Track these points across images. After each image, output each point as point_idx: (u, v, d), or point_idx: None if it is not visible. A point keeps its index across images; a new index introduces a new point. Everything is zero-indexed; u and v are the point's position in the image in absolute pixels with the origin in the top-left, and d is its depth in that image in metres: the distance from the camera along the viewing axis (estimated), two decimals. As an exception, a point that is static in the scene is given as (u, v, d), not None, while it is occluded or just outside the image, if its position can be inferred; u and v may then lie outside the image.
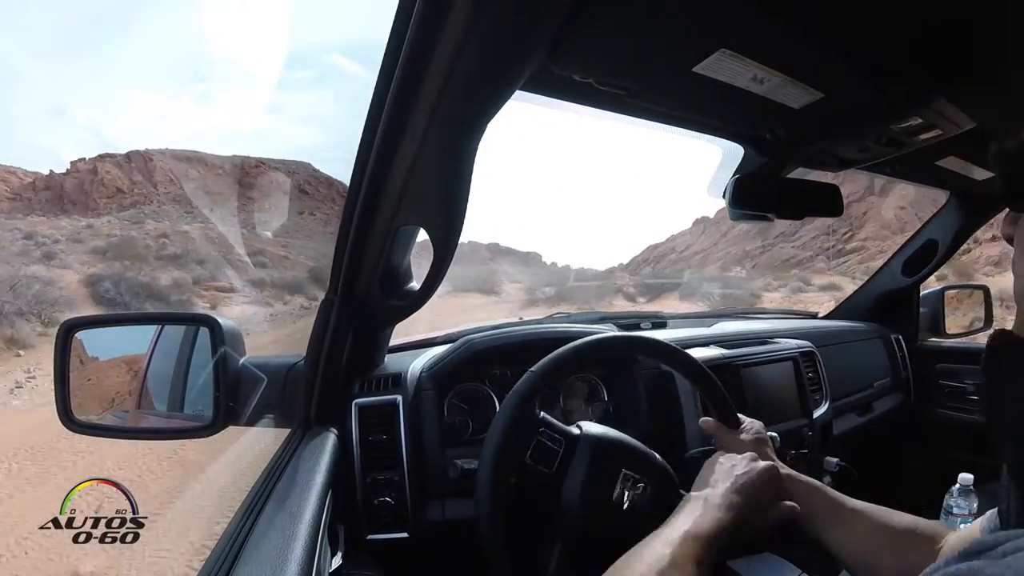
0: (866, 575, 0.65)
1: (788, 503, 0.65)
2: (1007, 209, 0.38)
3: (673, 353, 0.79)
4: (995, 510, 0.54)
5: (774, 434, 0.99)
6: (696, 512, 0.57)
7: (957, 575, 0.26)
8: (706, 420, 0.79)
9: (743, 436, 0.76)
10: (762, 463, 0.66)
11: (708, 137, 0.86)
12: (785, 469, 0.72)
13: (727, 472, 0.64)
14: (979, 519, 0.58)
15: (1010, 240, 0.38)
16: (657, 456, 0.73)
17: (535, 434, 0.70)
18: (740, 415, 0.79)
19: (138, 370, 0.87)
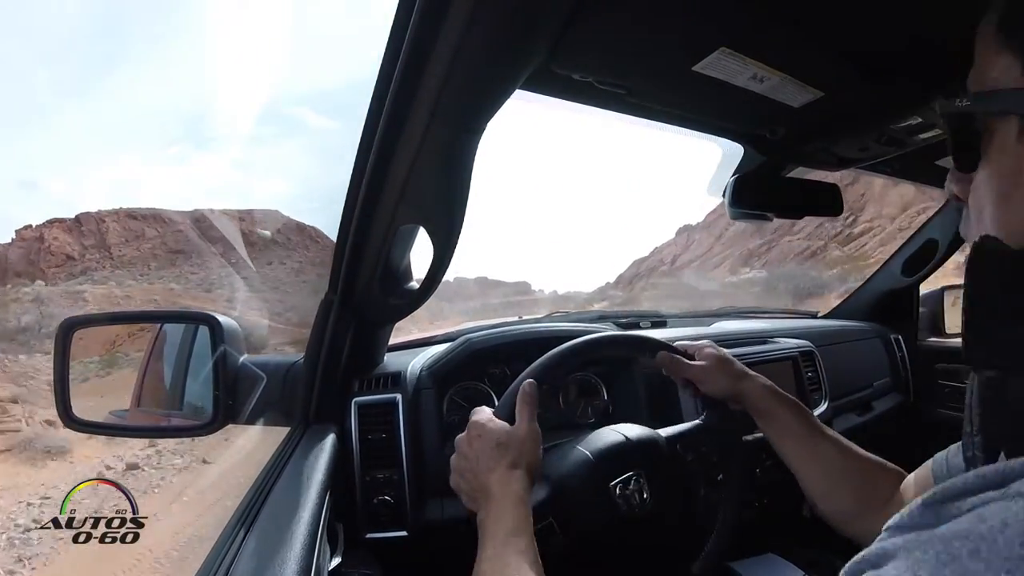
0: (826, 506, 0.67)
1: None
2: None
3: (566, 360, 0.73)
4: (946, 452, 0.57)
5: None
6: (487, 543, 0.53)
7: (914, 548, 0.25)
8: (662, 356, 0.76)
9: (703, 362, 0.75)
10: (462, 436, 0.62)
11: (708, 136, 0.86)
12: (766, 382, 0.73)
13: (471, 480, 0.60)
14: (928, 462, 0.59)
15: (959, 199, 0.39)
16: (627, 435, 0.72)
17: None
18: (683, 343, 0.79)
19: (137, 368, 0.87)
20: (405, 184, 0.62)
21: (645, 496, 0.67)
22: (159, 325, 0.93)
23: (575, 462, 0.69)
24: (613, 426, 0.75)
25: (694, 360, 0.76)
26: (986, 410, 0.33)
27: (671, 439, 0.75)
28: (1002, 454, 0.31)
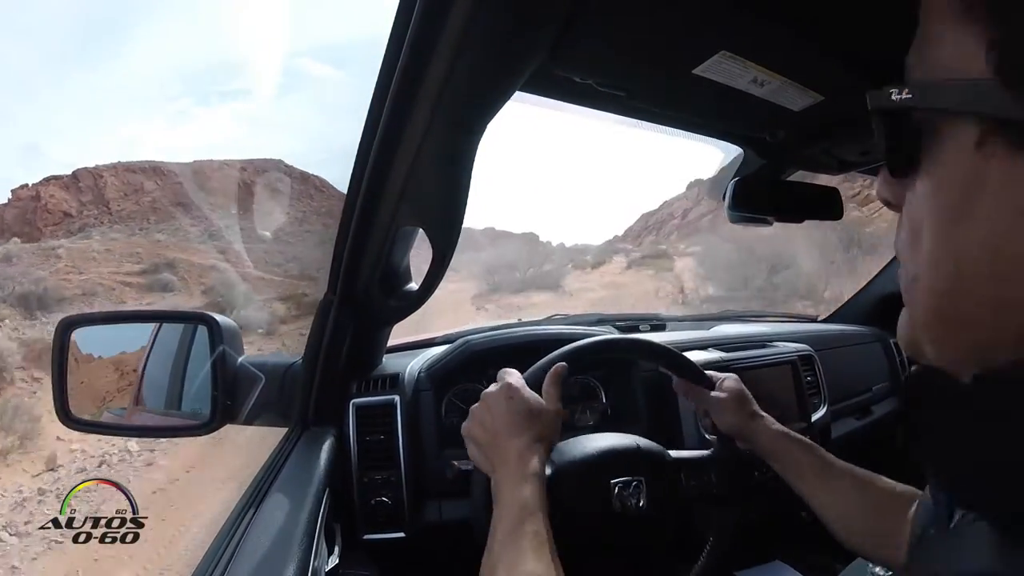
0: (852, 539, 0.66)
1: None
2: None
3: (600, 350, 0.78)
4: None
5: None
6: (501, 502, 0.54)
7: None
8: (679, 382, 0.80)
9: (721, 394, 0.76)
10: (497, 394, 0.61)
11: (708, 139, 0.86)
12: (776, 425, 0.72)
13: (488, 440, 0.59)
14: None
15: (890, 205, 0.32)
16: (638, 444, 0.73)
17: None
18: (711, 372, 0.80)
19: (135, 368, 0.87)
20: (405, 185, 0.62)
21: (641, 503, 0.68)
22: (158, 325, 0.93)
23: (584, 452, 0.70)
24: (625, 434, 0.75)
25: (715, 388, 0.77)
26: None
27: (678, 462, 0.75)
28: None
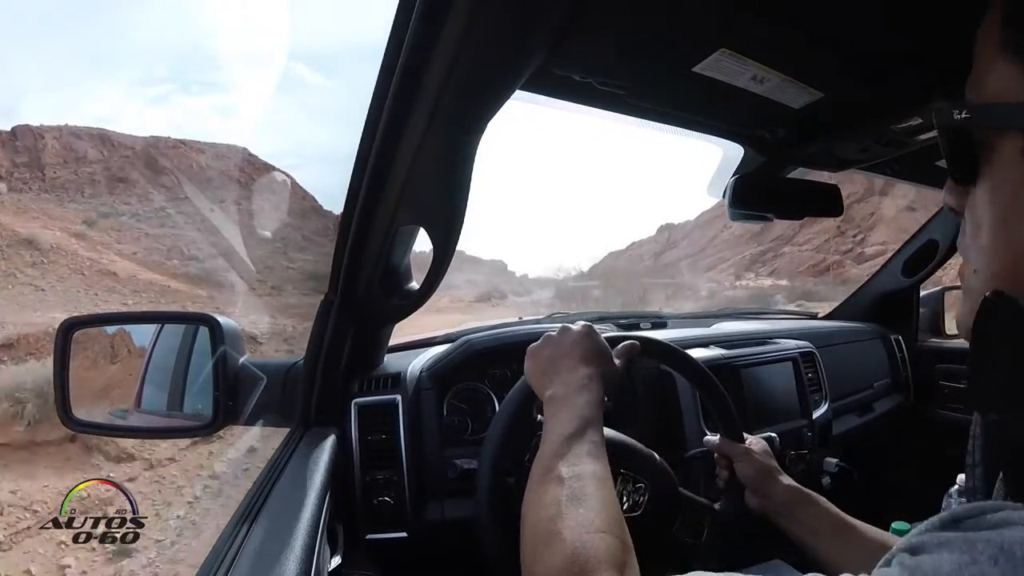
0: None
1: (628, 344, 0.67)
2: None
3: (673, 354, 0.79)
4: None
5: (773, 434, 0.99)
6: (561, 412, 0.55)
7: (947, 544, 0.25)
8: (711, 440, 0.80)
9: (753, 447, 0.77)
10: (575, 329, 0.64)
11: (708, 137, 0.86)
12: (788, 480, 0.73)
13: (555, 358, 0.61)
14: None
15: (954, 211, 0.37)
16: (656, 456, 0.73)
17: (535, 436, 0.70)
18: (752, 438, 0.80)
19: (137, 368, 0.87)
20: (405, 185, 0.62)
21: (640, 506, 0.68)
22: (159, 326, 0.93)
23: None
24: (622, 435, 0.75)
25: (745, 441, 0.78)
26: (988, 445, 0.34)
27: (683, 499, 0.75)
28: (999, 482, 0.32)
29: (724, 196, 0.89)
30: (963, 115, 0.33)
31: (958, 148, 0.34)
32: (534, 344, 0.65)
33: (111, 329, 0.90)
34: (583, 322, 0.65)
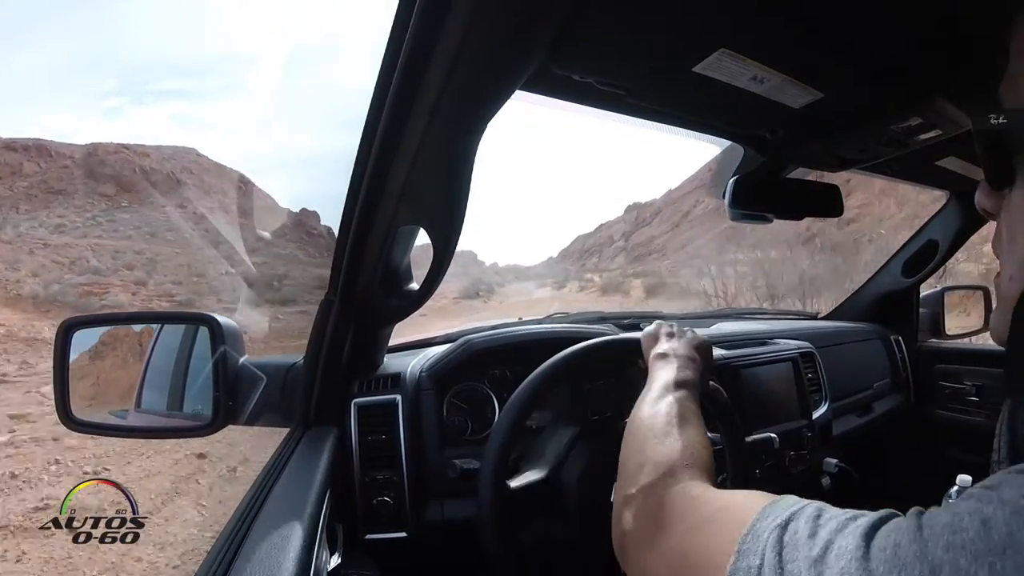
0: None
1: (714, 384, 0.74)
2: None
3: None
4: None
5: (773, 435, 0.99)
6: (671, 365, 0.64)
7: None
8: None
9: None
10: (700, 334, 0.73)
11: (708, 137, 0.86)
12: None
13: (678, 333, 0.72)
14: None
15: (988, 214, 0.37)
16: None
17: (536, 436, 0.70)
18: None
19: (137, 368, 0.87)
20: (405, 185, 0.62)
21: None
22: (159, 326, 0.93)
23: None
24: None
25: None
26: (1015, 436, 0.33)
27: None
28: None
29: (724, 196, 0.89)
30: (1000, 120, 0.33)
31: (994, 152, 0.34)
32: (651, 328, 0.74)
33: (109, 328, 0.90)
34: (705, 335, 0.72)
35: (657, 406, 0.55)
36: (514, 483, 0.70)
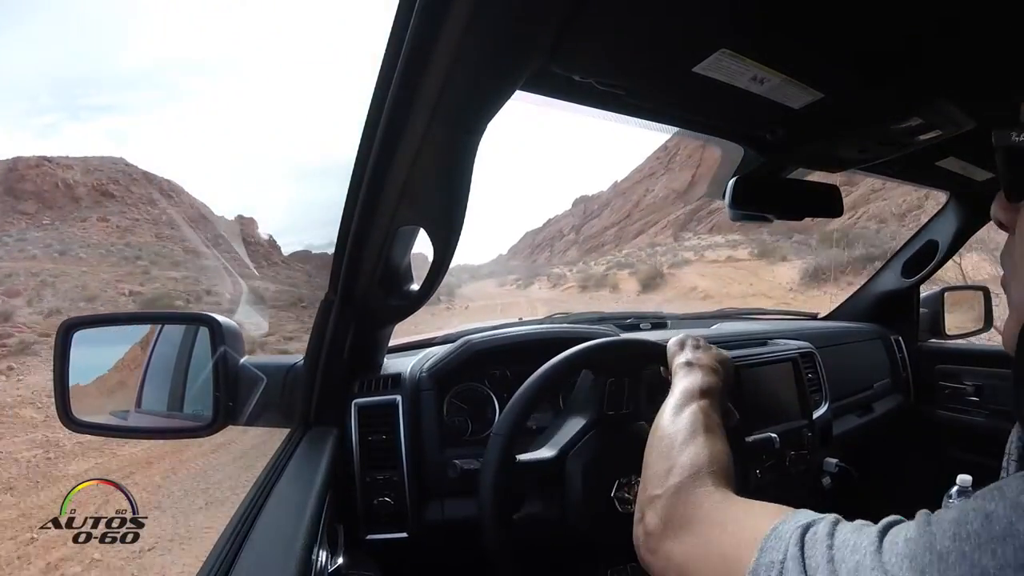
0: None
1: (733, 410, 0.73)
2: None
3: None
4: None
5: (773, 435, 0.99)
6: (695, 374, 0.65)
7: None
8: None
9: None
10: (727, 354, 0.75)
11: (708, 137, 0.86)
12: None
13: (703, 347, 0.73)
14: None
15: (1003, 226, 0.38)
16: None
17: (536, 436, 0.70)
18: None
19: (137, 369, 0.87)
20: (405, 185, 0.62)
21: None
22: (159, 326, 0.93)
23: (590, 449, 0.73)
24: None
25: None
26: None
27: None
28: None
29: (724, 197, 0.89)
30: (1022, 137, 0.34)
31: (1014, 167, 0.35)
32: (677, 338, 0.76)
33: (112, 329, 0.89)
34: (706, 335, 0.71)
35: (682, 413, 0.57)
36: (522, 456, 0.71)
